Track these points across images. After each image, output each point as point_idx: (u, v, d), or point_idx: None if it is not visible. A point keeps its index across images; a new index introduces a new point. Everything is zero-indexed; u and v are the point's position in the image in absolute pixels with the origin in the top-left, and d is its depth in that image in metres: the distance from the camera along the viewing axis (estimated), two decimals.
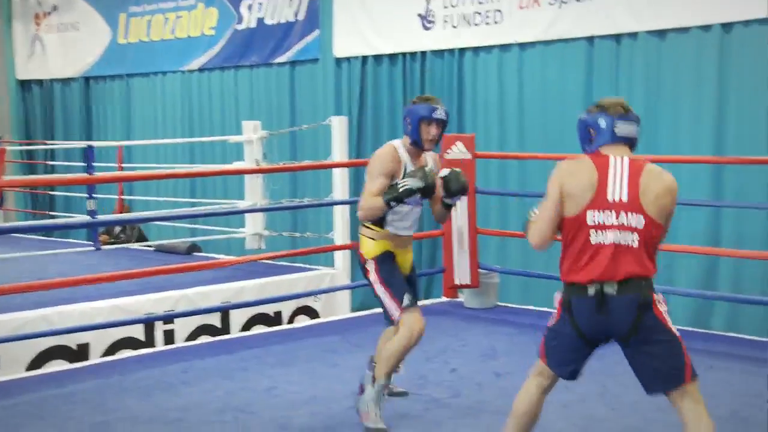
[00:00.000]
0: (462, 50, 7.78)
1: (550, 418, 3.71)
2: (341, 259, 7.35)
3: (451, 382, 4.65)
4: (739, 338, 5.63)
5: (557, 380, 3.14)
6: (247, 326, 6.55)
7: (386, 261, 3.88)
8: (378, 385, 3.83)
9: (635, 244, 2.92)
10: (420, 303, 3.96)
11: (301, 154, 9.02)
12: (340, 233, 7.28)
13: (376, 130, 8.50)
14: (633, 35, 6.62)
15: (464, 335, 5.72)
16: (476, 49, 7.68)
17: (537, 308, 6.57)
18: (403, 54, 8.26)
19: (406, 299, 3.79)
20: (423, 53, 8.11)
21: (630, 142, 3.05)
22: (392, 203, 3.70)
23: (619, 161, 2.98)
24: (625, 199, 2.93)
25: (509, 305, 6.66)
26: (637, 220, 2.92)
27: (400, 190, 3.69)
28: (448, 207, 3.98)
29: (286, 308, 6.86)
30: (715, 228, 6.32)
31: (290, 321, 6.83)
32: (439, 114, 3.80)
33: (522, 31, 7.26)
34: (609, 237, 2.92)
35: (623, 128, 3.02)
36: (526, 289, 7.13)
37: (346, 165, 7.34)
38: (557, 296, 3.08)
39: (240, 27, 9.73)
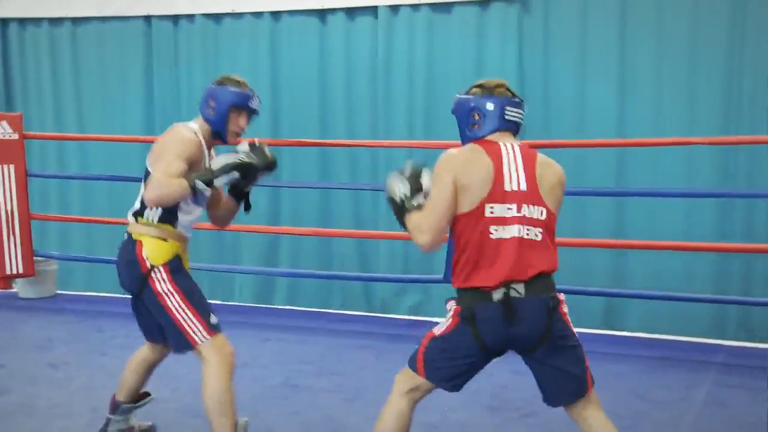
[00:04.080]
0: (5, 21, 7.15)
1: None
2: None
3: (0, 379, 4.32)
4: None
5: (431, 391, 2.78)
6: None
7: (181, 269, 3.15)
8: None
9: (539, 237, 2.67)
10: None
11: None
12: None
13: None
14: (191, 17, 6.68)
15: (18, 327, 5.37)
16: (22, 21, 7.13)
17: (101, 294, 6.39)
18: None
19: (214, 318, 3.11)
20: None
21: (516, 128, 2.83)
22: (199, 187, 3.00)
23: (510, 149, 2.74)
24: (524, 189, 2.69)
25: (71, 293, 6.41)
26: (539, 212, 2.69)
27: (219, 166, 3.05)
28: (243, 196, 3.29)
29: None
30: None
31: None
32: (255, 104, 3.21)
33: (76, 5, 6.92)
34: (512, 231, 2.65)
35: (513, 113, 2.80)
36: (90, 274, 6.84)
37: None
38: (451, 305, 2.71)
39: None
